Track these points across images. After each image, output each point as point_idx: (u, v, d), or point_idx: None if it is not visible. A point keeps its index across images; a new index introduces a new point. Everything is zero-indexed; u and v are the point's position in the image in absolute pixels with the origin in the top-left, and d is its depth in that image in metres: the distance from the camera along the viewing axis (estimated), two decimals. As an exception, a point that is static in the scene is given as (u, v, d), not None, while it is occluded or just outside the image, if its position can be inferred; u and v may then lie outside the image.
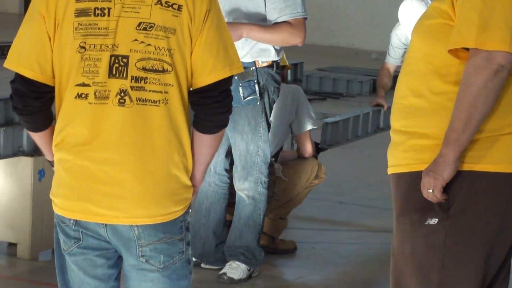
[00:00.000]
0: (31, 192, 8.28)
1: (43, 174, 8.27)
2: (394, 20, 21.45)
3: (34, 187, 8.29)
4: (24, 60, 4.48)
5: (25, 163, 8.28)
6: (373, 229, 10.01)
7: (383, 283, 8.69)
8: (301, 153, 8.80)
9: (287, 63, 8.65)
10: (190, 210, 4.67)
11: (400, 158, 4.81)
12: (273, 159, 8.52)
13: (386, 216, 10.30)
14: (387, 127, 10.02)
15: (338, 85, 16.38)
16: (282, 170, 8.60)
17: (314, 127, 8.75)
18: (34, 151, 8.29)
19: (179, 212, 4.54)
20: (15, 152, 8.14)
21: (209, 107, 4.55)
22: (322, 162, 9.00)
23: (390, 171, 4.88)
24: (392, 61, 10.29)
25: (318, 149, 9.01)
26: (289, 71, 9.83)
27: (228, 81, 4.56)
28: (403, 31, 9.97)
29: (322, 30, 22.97)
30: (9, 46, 6.87)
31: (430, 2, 9.83)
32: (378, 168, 11.68)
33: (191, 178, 4.57)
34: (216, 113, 4.58)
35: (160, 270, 4.59)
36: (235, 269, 8.22)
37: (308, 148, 8.74)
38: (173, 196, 4.52)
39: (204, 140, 4.60)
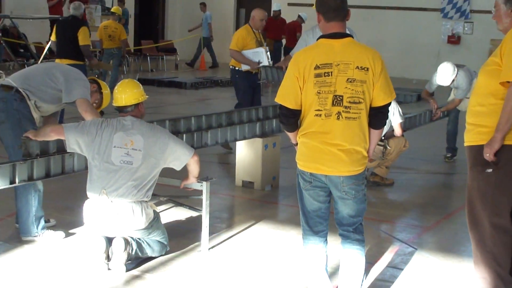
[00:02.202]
0: (261, 155, 8.29)
1: (267, 147, 8.35)
2: (426, 57, 20.37)
3: (263, 153, 8.30)
4: (287, 98, 4.61)
5: (258, 141, 8.25)
6: (429, 172, 9.82)
7: (446, 198, 8.71)
8: (396, 134, 8.77)
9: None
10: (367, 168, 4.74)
11: (472, 138, 4.83)
12: (383, 137, 8.53)
13: (435, 163, 10.35)
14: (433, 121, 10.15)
15: (398, 97, 16.08)
16: (387, 142, 8.64)
17: (402, 120, 8.73)
18: (262, 135, 8.27)
19: (361, 170, 4.64)
20: (253, 136, 8.20)
21: (380, 116, 4.64)
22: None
23: (466, 144, 4.89)
24: (429, 88, 10.17)
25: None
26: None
27: (390, 104, 4.65)
28: (437, 78, 9.82)
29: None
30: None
31: (454, 67, 9.69)
32: (430, 141, 11.67)
33: (367, 152, 4.65)
34: (382, 119, 4.67)
35: (353, 198, 4.67)
36: None
37: (400, 131, 8.74)
38: (359, 161, 4.60)
39: (375, 133, 4.67)
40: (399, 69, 21.98)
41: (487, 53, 21.39)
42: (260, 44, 10.28)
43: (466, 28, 22.46)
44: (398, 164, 9.58)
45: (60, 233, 6.37)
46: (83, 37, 11.50)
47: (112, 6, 20.27)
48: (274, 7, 20.83)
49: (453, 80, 9.71)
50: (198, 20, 25.16)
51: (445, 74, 9.67)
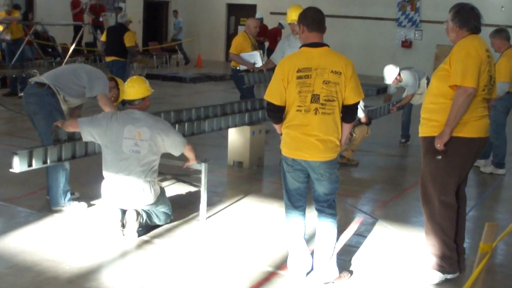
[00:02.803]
0: (249, 140, 8.26)
1: (254, 133, 8.32)
2: (384, 58, 20.44)
3: (250, 138, 8.27)
4: (274, 96, 4.55)
5: (247, 128, 8.22)
6: (387, 155, 9.81)
7: (401, 177, 8.66)
8: (362, 121, 8.75)
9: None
10: (339, 155, 4.73)
11: (425, 130, 4.83)
12: (350, 126, 8.49)
13: (392, 148, 10.32)
14: (390, 112, 10.10)
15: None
16: (353, 130, 8.63)
17: (365, 114, 8.73)
18: (250, 123, 8.23)
19: (335, 155, 4.61)
20: (242, 124, 8.17)
21: (350, 113, 4.61)
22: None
23: (420, 135, 4.89)
24: (388, 92, 10.25)
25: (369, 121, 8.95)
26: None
27: (358, 102, 4.61)
28: (384, 77, 9.90)
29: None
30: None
31: (395, 68, 9.72)
32: (388, 129, 11.65)
33: (339, 141, 4.61)
34: (352, 114, 4.64)
35: (327, 180, 4.64)
36: None
37: (365, 120, 8.73)
38: (333, 149, 4.56)
39: (346, 126, 4.62)
40: (361, 67, 21.75)
41: (433, 56, 21.43)
42: (255, 48, 10.25)
43: (416, 35, 22.42)
44: (362, 148, 9.55)
45: (83, 204, 6.34)
46: (128, 40, 12.04)
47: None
48: (257, 15, 20.73)
49: (397, 79, 9.75)
50: (195, 24, 25.08)
51: (388, 74, 9.83)
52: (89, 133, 5.65)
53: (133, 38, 12.39)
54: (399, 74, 9.76)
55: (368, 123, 8.80)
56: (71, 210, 6.22)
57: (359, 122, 8.74)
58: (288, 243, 4.92)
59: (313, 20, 4.61)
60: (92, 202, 6.49)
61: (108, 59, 12.30)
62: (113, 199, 5.61)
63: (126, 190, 5.54)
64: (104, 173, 5.66)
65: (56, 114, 6.01)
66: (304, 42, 4.66)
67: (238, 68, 10.28)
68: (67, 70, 6.33)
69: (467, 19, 4.78)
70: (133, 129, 5.57)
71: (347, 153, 8.76)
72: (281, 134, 4.72)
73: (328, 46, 4.62)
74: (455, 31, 4.82)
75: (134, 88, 5.73)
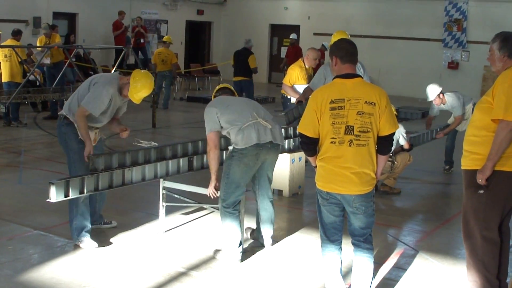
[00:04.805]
0: (289, 167, 8.26)
1: (293, 161, 8.33)
2: (430, 79, 20.09)
3: (290, 166, 8.28)
4: (307, 128, 4.58)
5: (286, 156, 8.19)
6: (431, 182, 9.71)
7: (445, 206, 8.52)
8: (405, 147, 8.71)
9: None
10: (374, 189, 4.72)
11: (467, 163, 4.79)
12: (392, 153, 8.44)
13: (435, 175, 10.20)
14: (434, 139, 10.02)
15: (405, 114, 15.82)
16: (395, 158, 8.58)
17: (407, 141, 8.68)
18: (289, 151, 8.26)
19: (370, 189, 4.60)
20: (282, 151, 8.13)
21: (386, 144, 4.60)
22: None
23: (463, 168, 4.83)
24: (431, 113, 10.15)
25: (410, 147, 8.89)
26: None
27: (394, 133, 4.62)
28: (427, 94, 9.80)
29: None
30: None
31: (438, 86, 9.66)
32: (431, 156, 11.50)
33: (375, 174, 4.60)
34: (388, 146, 4.63)
35: (363, 213, 4.63)
36: None
37: (407, 146, 8.69)
38: (368, 182, 4.56)
39: (382, 158, 4.62)
40: (406, 89, 21.87)
41: (481, 77, 21.21)
42: (310, 80, 10.11)
43: (463, 56, 22.22)
44: (404, 175, 9.45)
45: (94, 243, 6.10)
46: (252, 62, 14.35)
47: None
48: (291, 36, 20.99)
49: (440, 98, 9.64)
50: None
51: (430, 90, 9.71)
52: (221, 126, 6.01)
53: (255, 60, 14.45)
54: (442, 94, 9.67)
55: (409, 149, 8.74)
56: (85, 246, 6.07)
57: (401, 149, 8.69)
58: (324, 278, 4.91)
59: (346, 52, 4.66)
60: (129, 231, 6.57)
61: (236, 79, 14.31)
62: (255, 136, 5.85)
63: (263, 123, 5.96)
64: (236, 123, 5.86)
65: (71, 143, 6.03)
66: (337, 74, 4.69)
67: (289, 97, 10.40)
68: (76, 94, 6.16)
69: None
70: None
71: (389, 181, 8.69)
72: (316, 166, 4.73)
73: (361, 77, 4.63)
74: (502, 61, 4.77)
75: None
